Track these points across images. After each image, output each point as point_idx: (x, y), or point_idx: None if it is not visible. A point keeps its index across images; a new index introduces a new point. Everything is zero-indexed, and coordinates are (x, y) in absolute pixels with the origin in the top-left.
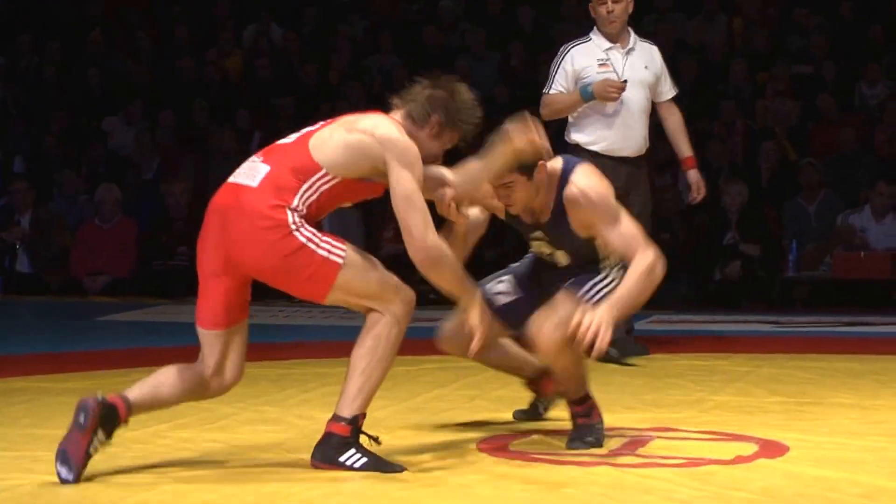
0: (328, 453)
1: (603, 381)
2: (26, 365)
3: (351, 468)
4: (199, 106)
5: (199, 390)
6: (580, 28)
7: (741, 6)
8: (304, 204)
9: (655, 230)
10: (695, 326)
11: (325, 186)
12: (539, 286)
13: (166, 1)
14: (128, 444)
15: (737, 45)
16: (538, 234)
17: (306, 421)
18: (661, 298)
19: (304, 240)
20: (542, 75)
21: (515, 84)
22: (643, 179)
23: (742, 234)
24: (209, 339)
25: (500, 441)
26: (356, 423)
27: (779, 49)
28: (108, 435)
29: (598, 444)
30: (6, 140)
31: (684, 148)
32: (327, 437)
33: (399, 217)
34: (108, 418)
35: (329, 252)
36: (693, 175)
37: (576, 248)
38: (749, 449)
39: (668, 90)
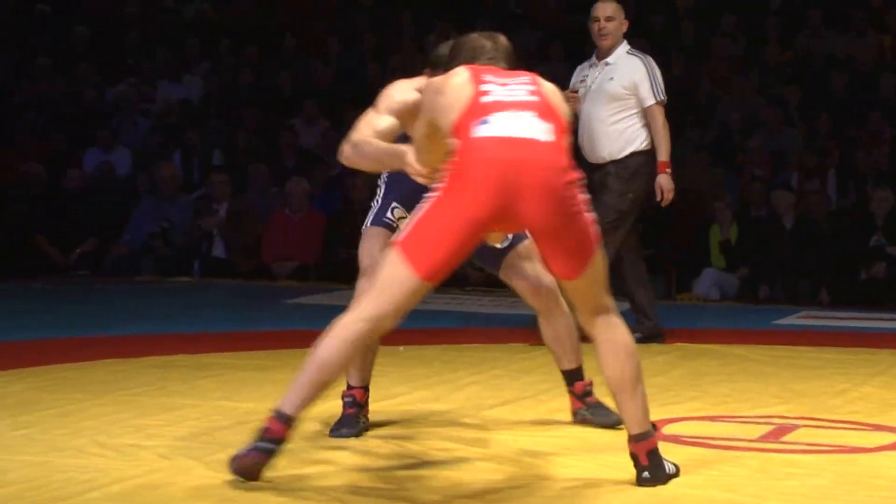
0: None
1: (754, 371)
2: (218, 342)
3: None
4: None
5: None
6: (735, 41)
7: (891, 24)
8: None
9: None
10: (840, 322)
11: None
12: None
13: (353, 11)
14: (310, 419)
15: (886, 59)
16: None
17: (475, 400)
18: (808, 295)
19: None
20: (700, 85)
21: (676, 92)
22: (612, 183)
23: (888, 237)
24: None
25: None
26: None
27: None
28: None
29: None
30: (207, 135)
31: (660, 152)
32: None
33: None
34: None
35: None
36: (661, 178)
37: None
38: (890, 439)
39: (647, 97)
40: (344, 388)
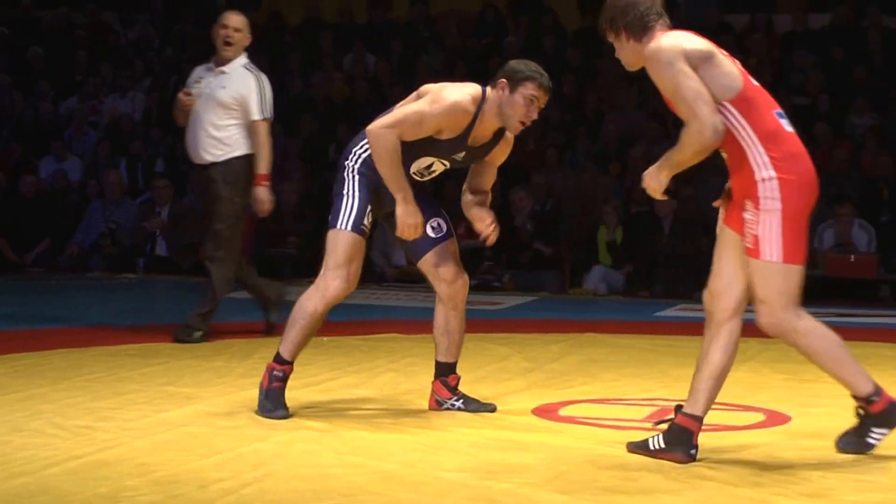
0: None
1: (639, 358)
2: (162, 333)
3: None
4: (307, 120)
5: None
6: (618, 62)
7: (750, 48)
8: None
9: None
10: None
11: None
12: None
13: (280, 32)
14: (246, 401)
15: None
16: (462, 153)
17: (392, 386)
18: (686, 290)
19: None
20: (587, 101)
21: (565, 108)
22: (220, 190)
23: None
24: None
25: (551, 407)
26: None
27: (781, 84)
28: None
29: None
30: (150, 145)
31: (259, 165)
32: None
33: None
34: None
35: None
36: (258, 190)
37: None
38: (757, 418)
39: (254, 112)
40: (276, 361)
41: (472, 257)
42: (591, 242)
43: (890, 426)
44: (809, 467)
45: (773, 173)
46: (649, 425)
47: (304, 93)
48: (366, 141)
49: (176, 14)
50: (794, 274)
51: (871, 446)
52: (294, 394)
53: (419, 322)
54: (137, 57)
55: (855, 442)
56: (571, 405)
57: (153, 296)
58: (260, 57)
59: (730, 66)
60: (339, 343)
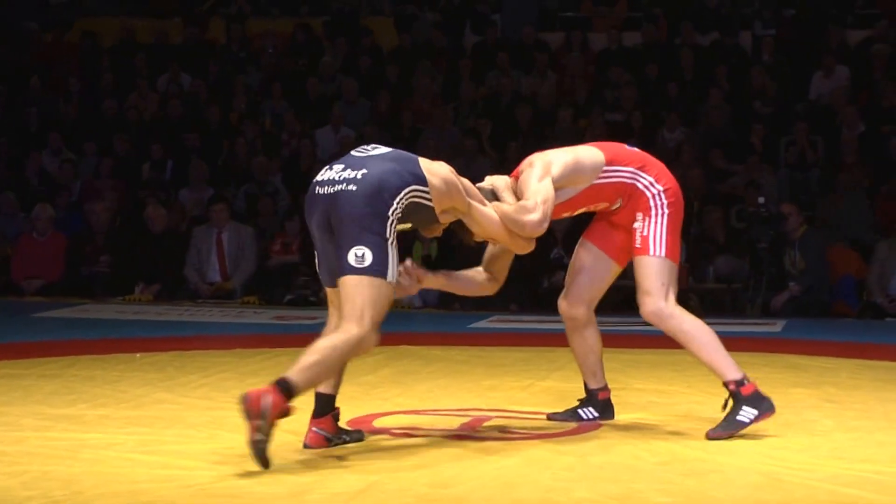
0: None
1: (452, 370)
2: None
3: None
4: (120, 140)
5: None
6: (434, 80)
7: (566, 65)
8: None
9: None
10: (526, 325)
11: None
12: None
13: (94, 53)
14: (57, 419)
15: (564, 96)
16: None
17: (206, 401)
18: (498, 301)
19: None
20: (404, 119)
21: (382, 125)
22: None
23: (566, 249)
24: None
25: (366, 418)
26: None
27: (596, 100)
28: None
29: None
30: None
31: None
32: None
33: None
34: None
35: None
36: None
37: None
38: (569, 426)
39: None
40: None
41: (289, 273)
42: (405, 257)
43: (757, 408)
44: (618, 471)
45: (660, 186)
46: (464, 433)
47: (118, 113)
48: (410, 189)
49: None
50: (674, 270)
51: (744, 424)
52: (105, 410)
53: (232, 336)
54: None
55: (725, 424)
56: (385, 416)
57: None
58: (73, 77)
59: (587, 152)
60: (152, 359)
